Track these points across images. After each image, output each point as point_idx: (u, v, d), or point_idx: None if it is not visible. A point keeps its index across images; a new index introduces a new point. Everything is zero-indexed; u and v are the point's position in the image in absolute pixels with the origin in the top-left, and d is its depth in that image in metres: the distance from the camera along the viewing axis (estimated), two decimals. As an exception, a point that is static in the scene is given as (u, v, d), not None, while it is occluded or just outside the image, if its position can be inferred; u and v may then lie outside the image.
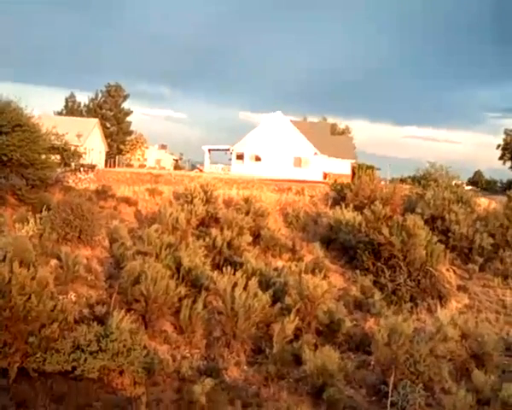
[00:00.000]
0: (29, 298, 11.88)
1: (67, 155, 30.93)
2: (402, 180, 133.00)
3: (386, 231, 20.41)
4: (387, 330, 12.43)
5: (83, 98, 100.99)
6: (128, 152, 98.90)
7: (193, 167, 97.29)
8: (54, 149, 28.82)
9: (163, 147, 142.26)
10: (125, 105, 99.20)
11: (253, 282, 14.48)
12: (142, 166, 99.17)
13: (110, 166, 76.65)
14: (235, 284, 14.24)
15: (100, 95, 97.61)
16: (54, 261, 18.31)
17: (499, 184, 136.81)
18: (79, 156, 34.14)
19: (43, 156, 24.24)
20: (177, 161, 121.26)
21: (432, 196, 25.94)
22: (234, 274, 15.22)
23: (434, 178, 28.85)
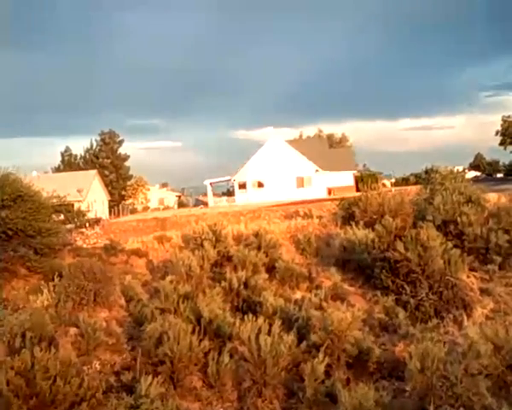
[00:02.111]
0: (54, 381, 11.74)
1: (71, 215, 31.00)
2: (405, 179, 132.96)
3: (401, 247, 20.18)
4: (419, 356, 12.17)
5: (78, 149, 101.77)
6: (130, 197, 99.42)
7: (196, 202, 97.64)
8: (57, 212, 28.94)
9: (164, 185, 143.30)
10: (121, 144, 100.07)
11: (277, 325, 14.25)
12: (145, 208, 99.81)
13: (115, 215, 77.01)
14: (259, 331, 14.04)
15: (95, 144, 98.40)
16: (73, 330, 18.17)
17: (502, 167, 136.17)
18: (83, 215, 34.14)
19: (49, 223, 24.12)
20: (179, 197, 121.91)
21: (441, 201, 25.69)
22: (255, 318, 15.08)
23: (441, 181, 28.50)
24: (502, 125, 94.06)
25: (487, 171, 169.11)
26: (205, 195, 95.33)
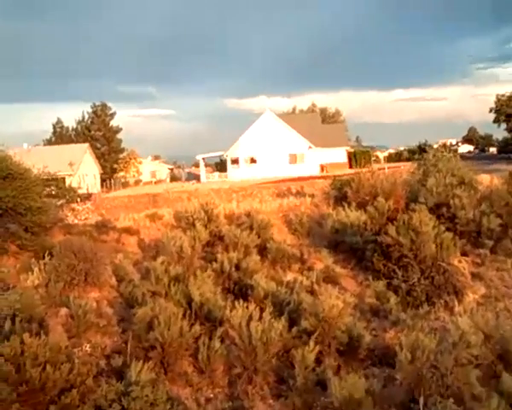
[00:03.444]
0: (44, 368, 11.65)
1: (62, 192, 30.74)
2: (398, 154, 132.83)
3: (392, 231, 20.16)
4: (409, 346, 12.16)
5: (70, 117, 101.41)
6: (122, 170, 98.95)
7: (189, 176, 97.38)
8: (48, 186, 28.70)
9: (156, 158, 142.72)
10: (114, 109, 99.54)
11: (268, 312, 14.20)
12: (137, 181, 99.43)
13: (106, 188, 76.71)
14: (250, 318, 13.99)
15: (86, 116, 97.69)
16: (64, 310, 18.04)
17: (496, 142, 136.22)
18: (74, 191, 33.85)
19: (39, 202, 23.88)
20: (172, 170, 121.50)
21: (434, 184, 25.62)
22: (247, 303, 15.03)
23: (434, 163, 28.43)
24: (495, 103, 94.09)
25: (480, 145, 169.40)
26: (197, 166, 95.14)
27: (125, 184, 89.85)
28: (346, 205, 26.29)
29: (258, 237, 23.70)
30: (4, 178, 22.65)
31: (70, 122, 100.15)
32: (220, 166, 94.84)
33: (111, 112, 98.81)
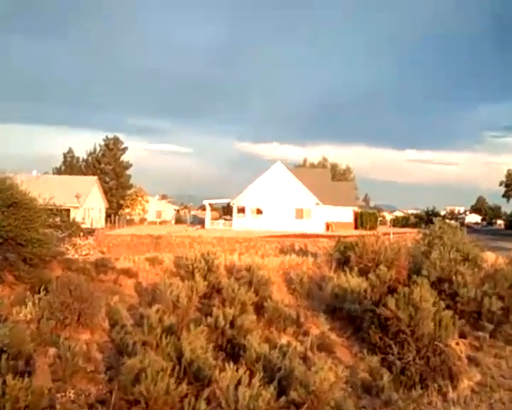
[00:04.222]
0: (24, 413, 11.41)
1: (66, 225, 30.57)
2: (405, 218, 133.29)
3: (392, 304, 19.89)
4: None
5: (82, 145, 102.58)
6: (128, 207, 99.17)
7: (193, 220, 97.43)
8: (52, 215, 28.53)
9: (163, 197, 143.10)
10: (126, 144, 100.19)
11: (257, 378, 13.90)
12: (142, 220, 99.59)
13: (111, 223, 76.67)
14: (239, 382, 13.70)
15: (98, 148, 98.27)
16: (52, 350, 17.74)
17: (504, 216, 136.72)
18: (77, 226, 33.72)
19: (41, 234, 23.73)
20: (178, 211, 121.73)
21: (437, 257, 25.41)
22: (237, 365, 14.76)
23: (439, 235, 28.31)
24: (506, 177, 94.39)
25: (488, 216, 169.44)
26: (203, 209, 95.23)
27: (130, 222, 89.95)
28: (347, 269, 26.12)
29: (257, 294, 23.45)
30: (9, 206, 22.53)
31: (82, 150, 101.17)
32: (227, 209, 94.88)
33: (123, 146, 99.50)
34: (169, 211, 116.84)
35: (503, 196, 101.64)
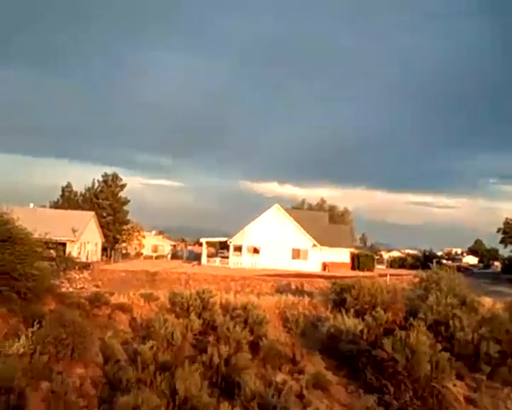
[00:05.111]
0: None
1: (60, 260, 30.55)
2: (402, 259, 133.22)
3: (388, 346, 19.76)
4: None
5: (80, 180, 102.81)
6: (124, 241, 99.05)
7: (189, 255, 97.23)
8: (46, 253, 28.42)
9: (160, 233, 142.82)
10: (124, 180, 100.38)
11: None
12: (138, 254, 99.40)
13: (107, 257, 76.50)
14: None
15: (96, 183, 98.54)
16: (45, 385, 17.52)
17: (501, 258, 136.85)
18: (73, 261, 33.68)
19: (36, 268, 23.62)
20: (174, 246, 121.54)
21: (434, 302, 25.30)
22: (232, 401, 14.62)
23: (436, 280, 28.29)
24: (504, 225, 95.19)
25: (485, 257, 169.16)
26: (200, 245, 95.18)
27: (126, 256, 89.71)
28: (343, 310, 25.95)
29: (252, 332, 23.32)
30: (4, 241, 22.45)
31: (80, 183, 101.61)
32: (223, 244, 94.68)
33: (121, 183, 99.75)
34: (165, 246, 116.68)
35: (501, 242, 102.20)
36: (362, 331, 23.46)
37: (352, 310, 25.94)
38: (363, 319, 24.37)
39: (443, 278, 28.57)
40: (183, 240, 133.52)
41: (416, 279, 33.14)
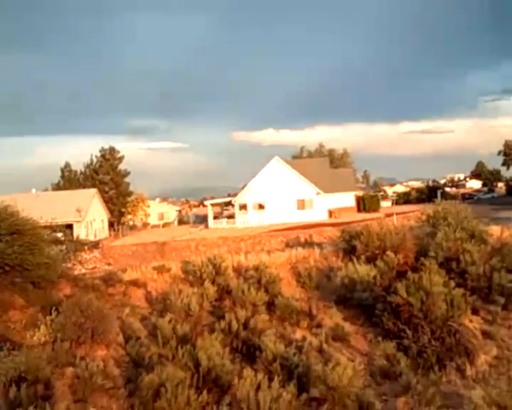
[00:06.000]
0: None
1: (69, 245, 30.65)
2: (406, 194, 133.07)
3: (402, 291, 19.91)
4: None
5: (79, 152, 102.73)
6: (130, 213, 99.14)
7: (196, 219, 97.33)
8: (55, 241, 28.58)
9: (164, 200, 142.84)
10: (122, 153, 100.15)
11: (276, 380, 13.96)
12: (145, 224, 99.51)
13: (114, 231, 76.70)
14: (258, 386, 13.75)
15: (95, 160, 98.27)
16: (70, 370, 17.81)
17: (505, 181, 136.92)
18: (82, 243, 33.78)
19: (46, 256, 23.75)
20: (180, 211, 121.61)
21: (443, 238, 25.33)
22: (254, 364, 14.83)
23: (443, 216, 28.21)
24: (504, 146, 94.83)
25: (489, 180, 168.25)
26: (205, 206, 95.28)
27: (133, 228, 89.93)
28: (354, 258, 25.98)
29: (267, 292, 23.49)
30: (12, 233, 22.54)
31: (80, 158, 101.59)
32: (228, 202, 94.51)
33: (119, 155, 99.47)
34: (171, 212, 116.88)
35: (503, 164, 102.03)
36: (375, 278, 23.53)
37: (362, 257, 25.93)
38: (374, 265, 24.43)
39: (450, 213, 28.49)
40: (187, 201, 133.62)
41: (423, 217, 33.09)
